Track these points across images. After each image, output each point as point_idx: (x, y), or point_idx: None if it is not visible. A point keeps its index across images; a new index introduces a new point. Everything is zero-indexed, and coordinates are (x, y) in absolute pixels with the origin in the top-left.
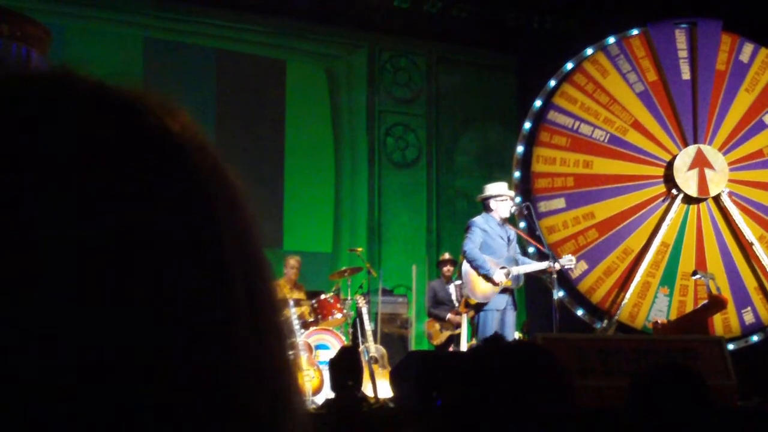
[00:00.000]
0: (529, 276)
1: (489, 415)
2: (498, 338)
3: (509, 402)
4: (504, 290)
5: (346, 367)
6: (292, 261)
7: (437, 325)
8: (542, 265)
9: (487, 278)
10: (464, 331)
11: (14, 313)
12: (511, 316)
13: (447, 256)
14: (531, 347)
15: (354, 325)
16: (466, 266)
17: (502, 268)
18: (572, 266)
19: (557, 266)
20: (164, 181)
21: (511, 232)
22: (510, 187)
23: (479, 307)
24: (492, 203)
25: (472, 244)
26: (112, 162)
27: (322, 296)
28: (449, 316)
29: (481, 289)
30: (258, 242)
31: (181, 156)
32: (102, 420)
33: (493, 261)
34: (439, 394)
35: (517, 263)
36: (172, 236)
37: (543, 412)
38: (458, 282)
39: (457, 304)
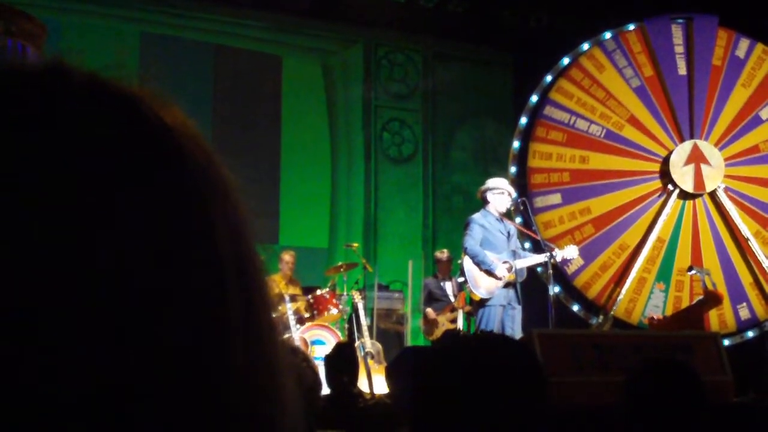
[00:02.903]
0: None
1: (455, 413)
2: (456, 334)
3: (474, 399)
4: (507, 285)
5: (341, 363)
6: (287, 256)
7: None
8: (544, 256)
9: (490, 273)
10: (460, 326)
11: (10, 312)
12: (516, 313)
13: (446, 253)
14: (499, 341)
15: (350, 321)
16: (468, 263)
17: (504, 262)
18: (574, 256)
19: (559, 257)
20: (158, 175)
21: (511, 226)
22: (509, 183)
23: (482, 303)
24: (489, 196)
25: (473, 240)
26: (106, 154)
27: (318, 292)
28: (428, 310)
29: (484, 284)
30: (251, 238)
31: (176, 149)
32: (98, 421)
33: (494, 256)
34: (409, 389)
35: (518, 257)
36: (164, 230)
37: (513, 408)
38: (461, 279)
39: (453, 300)
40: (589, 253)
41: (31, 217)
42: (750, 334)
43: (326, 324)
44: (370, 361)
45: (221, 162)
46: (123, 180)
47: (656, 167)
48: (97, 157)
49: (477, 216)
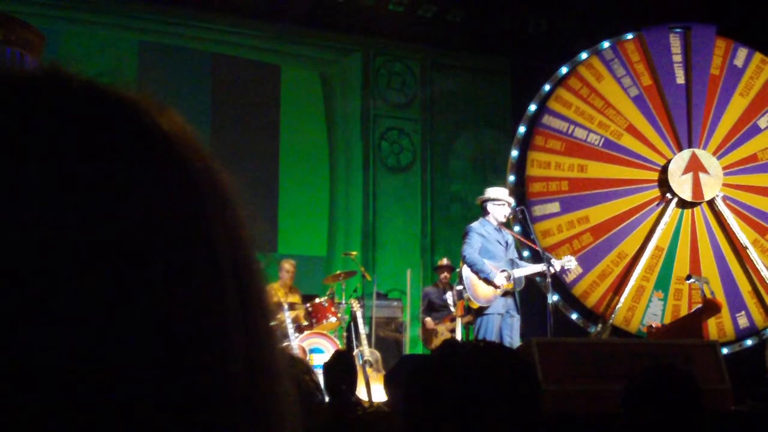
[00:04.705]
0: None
1: (448, 421)
2: (453, 343)
3: (469, 407)
4: (505, 294)
5: (340, 371)
6: (287, 265)
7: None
8: (542, 266)
9: (488, 281)
10: (459, 336)
11: (10, 312)
12: (515, 321)
13: (445, 261)
14: (493, 349)
15: (348, 329)
16: (466, 271)
17: (503, 271)
18: (572, 266)
19: (557, 266)
20: (155, 180)
21: (509, 236)
22: (508, 193)
23: (480, 312)
24: (489, 206)
25: (471, 248)
26: (104, 159)
27: (317, 300)
28: (427, 319)
29: (482, 292)
30: (249, 244)
31: (173, 154)
32: (98, 420)
33: (493, 264)
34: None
35: (516, 266)
36: (163, 233)
37: (507, 416)
38: (459, 287)
39: (453, 310)
40: (587, 262)
41: (30, 221)
42: (748, 342)
43: (325, 332)
44: (368, 370)
45: (220, 167)
46: (120, 184)
47: (654, 176)
48: (95, 162)
49: (476, 225)
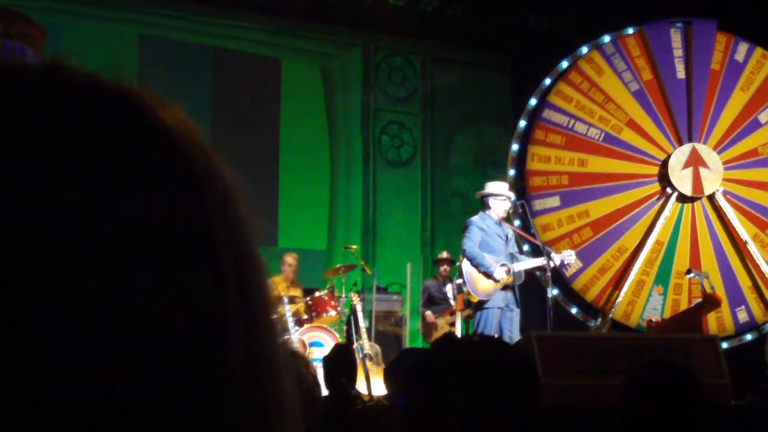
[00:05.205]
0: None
1: (447, 416)
2: (452, 337)
3: (468, 403)
4: (505, 288)
5: (340, 365)
6: (290, 259)
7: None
8: (542, 260)
9: (488, 275)
10: (458, 330)
11: (10, 312)
12: (514, 315)
13: (445, 254)
14: (491, 344)
15: (348, 323)
16: (466, 264)
17: (502, 265)
18: (572, 261)
19: (557, 261)
20: (157, 177)
21: (509, 230)
22: (508, 187)
23: (480, 306)
24: (491, 201)
25: (471, 242)
26: (103, 153)
27: (317, 294)
28: (427, 313)
29: (482, 286)
30: (250, 237)
31: (174, 149)
32: (97, 418)
33: (492, 258)
34: (400, 392)
35: (516, 261)
36: (164, 230)
37: (507, 411)
38: (459, 281)
39: (453, 303)
40: (587, 256)
41: (30, 220)
42: (748, 337)
43: (325, 326)
44: (368, 363)
45: (221, 162)
46: (121, 182)
47: (655, 170)
48: (96, 159)
49: (476, 219)
